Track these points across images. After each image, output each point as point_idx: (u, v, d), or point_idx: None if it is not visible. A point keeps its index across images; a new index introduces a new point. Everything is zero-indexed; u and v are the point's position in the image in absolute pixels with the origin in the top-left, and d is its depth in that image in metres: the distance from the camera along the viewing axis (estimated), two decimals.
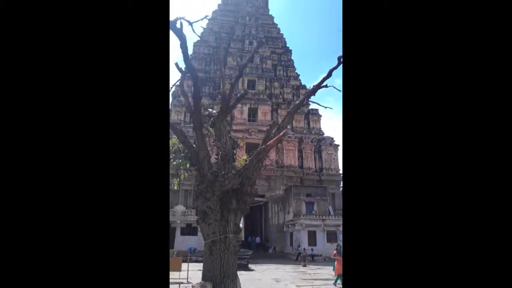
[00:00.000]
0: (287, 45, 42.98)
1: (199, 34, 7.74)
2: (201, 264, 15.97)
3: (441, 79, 2.04)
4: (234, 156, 7.87)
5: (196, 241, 24.68)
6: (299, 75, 40.24)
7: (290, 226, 27.14)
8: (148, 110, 2.26)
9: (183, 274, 11.60)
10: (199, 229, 25.45)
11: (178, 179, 8.38)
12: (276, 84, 37.24)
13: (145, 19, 2.27)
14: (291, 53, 42.19)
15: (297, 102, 8.12)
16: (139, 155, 2.20)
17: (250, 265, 16.99)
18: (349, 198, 2.23)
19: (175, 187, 8.85)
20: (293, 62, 41.26)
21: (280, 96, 36.72)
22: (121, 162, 2.16)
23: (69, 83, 2.10)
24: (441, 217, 1.98)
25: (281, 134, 6.56)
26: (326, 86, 7.47)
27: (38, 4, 2.06)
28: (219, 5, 45.74)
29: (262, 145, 6.88)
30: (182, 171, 8.03)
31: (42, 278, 1.89)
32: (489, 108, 1.94)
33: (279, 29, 44.50)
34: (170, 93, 34.54)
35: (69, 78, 2.11)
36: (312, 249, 23.28)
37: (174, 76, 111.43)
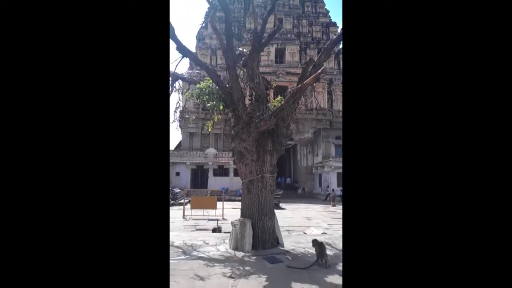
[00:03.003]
0: None
1: None
2: (234, 203, 16.70)
3: (440, 78, 2.04)
4: (267, 97, 7.68)
5: (228, 182, 25.76)
6: (328, 11, 37.42)
7: (319, 168, 27.46)
8: (148, 108, 2.23)
9: (218, 212, 12.26)
10: (230, 170, 26.52)
11: (212, 121, 8.40)
12: (304, 21, 35.03)
13: (145, 17, 2.22)
14: None
15: (335, 37, 7.58)
16: (138, 146, 2.17)
17: (281, 204, 17.63)
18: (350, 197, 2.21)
19: (209, 130, 8.93)
20: None
21: (309, 35, 34.73)
22: (120, 154, 2.12)
23: (70, 79, 2.07)
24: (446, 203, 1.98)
25: (318, 72, 6.21)
26: None
27: (37, 4, 2.03)
28: None
29: (298, 84, 6.61)
30: (215, 113, 8.00)
31: (41, 271, 1.91)
32: (489, 105, 1.95)
33: None
34: (195, 35, 33.62)
35: (69, 74, 2.07)
36: (340, 190, 23.66)
37: (196, 19, 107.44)
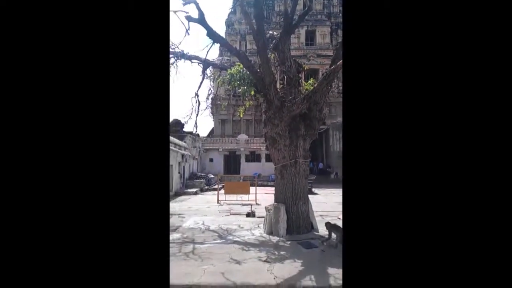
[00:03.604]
0: None
1: None
2: (266, 188, 16.72)
3: (440, 76, 2.03)
4: (299, 81, 7.51)
5: (260, 167, 25.90)
6: None
7: None
8: (148, 106, 2.20)
9: (251, 196, 12.37)
10: (262, 156, 26.63)
11: (243, 107, 8.38)
12: (335, 1, 33.73)
13: (145, 14, 2.19)
14: None
15: None
16: (137, 138, 2.14)
17: (313, 189, 17.49)
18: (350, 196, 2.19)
19: (241, 115, 8.93)
20: None
21: (340, 15, 33.38)
22: (118, 147, 2.10)
23: (69, 76, 2.06)
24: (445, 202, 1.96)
25: None
26: None
27: (37, 3, 2.03)
28: None
29: (331, 66, 6.38)
30: (246, 99, 7.96)
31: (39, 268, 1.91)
32: (486, 101, 1.95)
33: None
34: (224, 21, 33.48)
35: (69, 71, 2.06)
36: None
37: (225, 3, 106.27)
